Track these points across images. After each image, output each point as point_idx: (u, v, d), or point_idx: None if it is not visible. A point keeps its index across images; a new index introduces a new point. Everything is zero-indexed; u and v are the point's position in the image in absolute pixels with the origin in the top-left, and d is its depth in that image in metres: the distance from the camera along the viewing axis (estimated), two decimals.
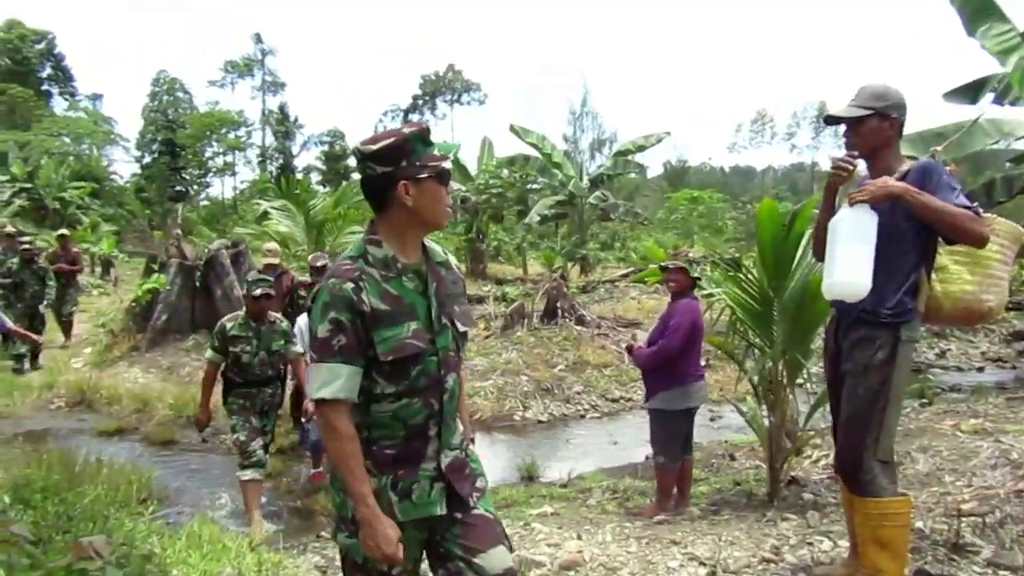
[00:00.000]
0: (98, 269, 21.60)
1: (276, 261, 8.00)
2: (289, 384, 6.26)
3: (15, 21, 46.25)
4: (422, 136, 1.96)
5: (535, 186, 24.47)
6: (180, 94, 53.68)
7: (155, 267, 11.77)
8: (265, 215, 16.33)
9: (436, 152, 1.97)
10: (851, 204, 2.74)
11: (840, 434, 2.95)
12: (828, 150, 61.05)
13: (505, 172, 23.42)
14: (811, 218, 4.20)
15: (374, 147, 1.91)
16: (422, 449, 2.00)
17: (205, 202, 49.95)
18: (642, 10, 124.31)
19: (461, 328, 2.06)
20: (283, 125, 54.97)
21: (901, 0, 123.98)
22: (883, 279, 2.73)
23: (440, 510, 2.02)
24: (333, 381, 1.87)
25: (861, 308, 2.80)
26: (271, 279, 5.47)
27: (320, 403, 1.90)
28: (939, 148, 3.37)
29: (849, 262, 2.71)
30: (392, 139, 1.92)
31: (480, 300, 13.95)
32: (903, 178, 2.77)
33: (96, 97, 53.92)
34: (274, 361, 5.35)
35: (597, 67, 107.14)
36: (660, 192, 48.38)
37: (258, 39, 57.90)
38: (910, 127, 4.49)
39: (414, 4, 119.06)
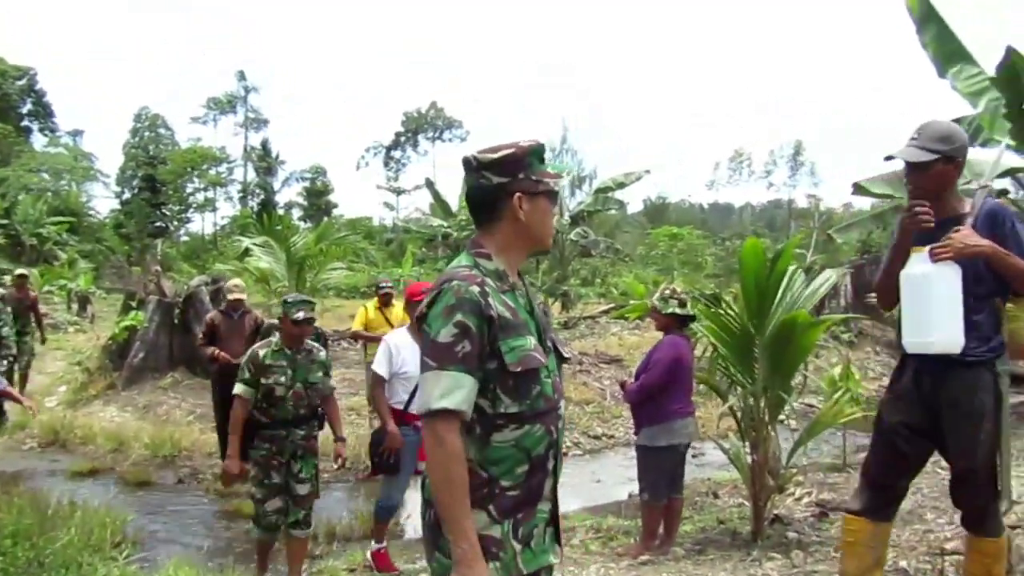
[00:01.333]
0: (75, 306, 21.34)
1: (243, 297, 7.63)
2: None
3: None
4: (539, 152, 1.89)
5: None
6: (162, 130, 53.70)
7: (133, 304, 11.65)
8: (246, 252, 16.25)
9: (550, 170, 1.90)
10: (934, 260, 2.75)
11: (965, 482, 2.89)
12: (804, 188, 61.94)
13: None
14: (793, 256, 4.26)
15: (493, 156, 1.84)
16: (541, 486, 1.83)
17: (185, 238, 49.73)
18: (622, 50, 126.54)
19: (565, 353, 1.98)
20: (265, 161, 55.06)
21: (877, 40, 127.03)
22: (970, 317, 2.75)
23: (555, 558, 1.86)
24: (456, 390, 1.68)
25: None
26: (313, 301, 4.75)
27: (434, 416, 1.70)
28: (989, 183, 3.39)
29: (946, 321, 2.74)
30: (512, 150, 1.84)
31: None
32: (973, 222, 2.77)
33: (77, 133, 53.83)
34: (311, 396, 4.55)
35: (577, 105, 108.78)
36: (640, 228, 48.76)
37: (241, 76, 58.24)
38: (890, 166, 4.58)
39: (395, 43, 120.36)
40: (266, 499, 4.45)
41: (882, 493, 3.03)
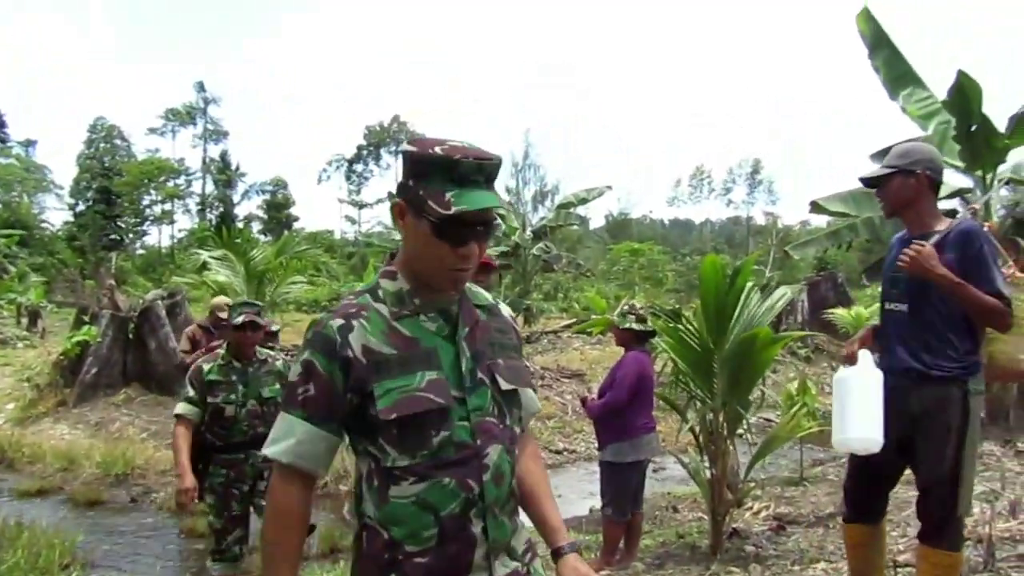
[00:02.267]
0: (24, 320, 20.78)
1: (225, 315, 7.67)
2: None
3: None
4: (447, 166, 1.44)
5: None
6: (118, 141, 52.80)
7: (86, 318, 11.38)
8: (204, 265, 16.00)
9: (450, 196, 1.43)
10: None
11: (928, 495, 2.94)
12: (763, 206, 63.15)
13: None
14: (752, 272, 4.32)
15: (408, 146, 1.50)
16: (463, 555, 1.48)
17: (141, 251, 48.80)
18: (584, 64, 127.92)
19: (505, 386, 1.55)
20: (224, 173, 54.37)
21: (834, 64, 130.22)
22: (945, 334, 2.81)
23: None
24: (284, 439, 1.47)
25: (925, 366, 2.85)
26: (258, 304, 4.31)
27: (271, 463, 1.52)
28: (977, 206, 3.49)
29: (863, 422, 2.82)
30: (413, 149, 1.48)
31: None
32: (944, 238, 2.81)
33: (30, 144, 52.58)
34: (270, 414, 3.97)
35: (539, 119, 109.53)
36: (602, 244, 49.21)
37: (201, 87, 57.53)
38: (847, 185, 4.68)
39: (357, 55, 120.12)
40: (227, 530, 4.03)
41: (866, 502, 3.14)
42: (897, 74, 7.20)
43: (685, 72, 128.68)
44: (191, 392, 3.93)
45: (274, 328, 6.94)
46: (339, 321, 1.48)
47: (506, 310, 1.74)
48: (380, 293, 1.54)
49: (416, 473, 1.45)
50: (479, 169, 1.44)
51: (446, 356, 1.50)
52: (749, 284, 4.83)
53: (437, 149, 1.44)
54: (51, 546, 5.20)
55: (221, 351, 4.10)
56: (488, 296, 1.70)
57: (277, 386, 4.04)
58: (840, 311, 12.06)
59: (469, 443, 1.47)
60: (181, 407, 3.93)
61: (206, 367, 3.98)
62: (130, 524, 6.58)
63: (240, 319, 3.98)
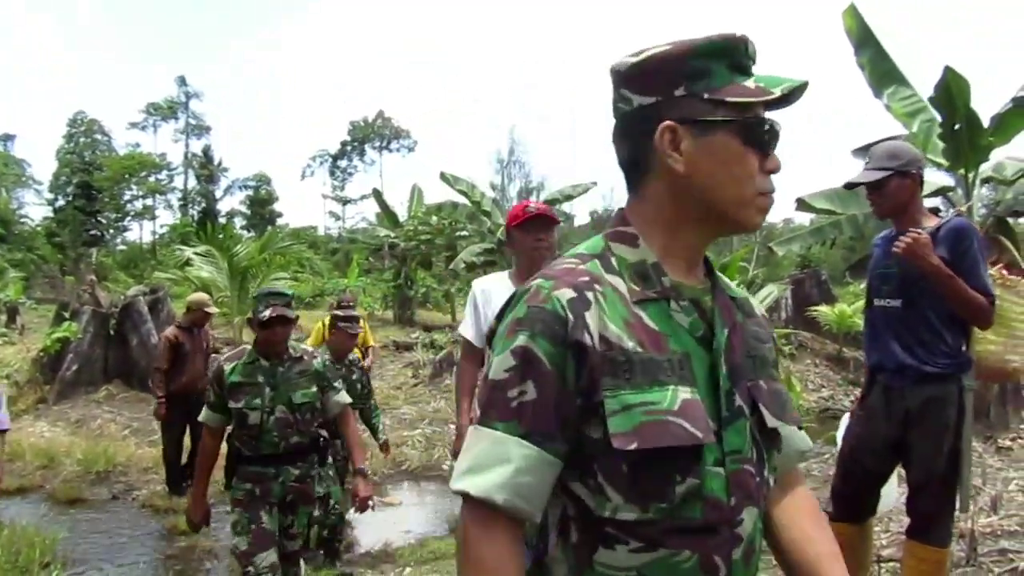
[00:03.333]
0: (3, 316, 20.52)
1: (214, 312, 7.41)
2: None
3: None
4: (725, 48, 1.06)
5: (464, 233, 24.58)
6: (98, 136, 52.29)
7: (66, 315, 11.26)
8: (187, 261, 15.90)
9: (751, 84, 1.06)
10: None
11: (921, 491, 2.96)
12: None
13: (434, 219, 23.45)
14: (738, 269, 4.33)
15: (636, 59, 1.09)
16: None
17: (122, 247, 48.37)
18: (573, 62, 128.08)
19: (771, 422, 1.09)
20: (207, 169, 53.97)
21: (818, 59, 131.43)
22: (939, 329, 2.85)
23: None
24: (491, 467, 0.98)
25: (920, 361, 2.88)
26: (288, 293, 3.55)
27: (464, 501, 1.02)
28: (964, 208, 3.54)
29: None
30: (666, 48, 1.07)
31: (408, 347, 13.82)
32: (935, 233, 2.84)
33: (8, 138, 52.09)
34: (304, 421, 3.45)
35: (527, 116, 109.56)
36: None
37: (182, 82, 57.07)
38: (830, 182, 4.69)
39: (341, 48, 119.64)
40: (256, 548, 3.31)
41: (854, 501, 3.15)
42: (882, 72, 7.23)
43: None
44: (211, 396, 3.43)
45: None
46: (569, 293, 1.01)
47: (759, 307, 1.27)
48: (614, 262, 1.08)
49: (645, 536, 0.99)
50: (754, 55, 1.09)
51: (700, 368, 1.03)
52: (735, 281, 4.86)
53: (700, 39, 1.06)
54: (31, 544, 5.14)
55: (247, 347, 3.53)
56: (738, 287, 1.27)
57: (314, 389, 3.46)
58: (824, 308, 12.14)
59: (723, 502, 1.01)
60: (204, 414, 3.48)
61: (228, 367, 3.38)
62: (112, 521, 6.50)
63: (266, 314, 3.29)
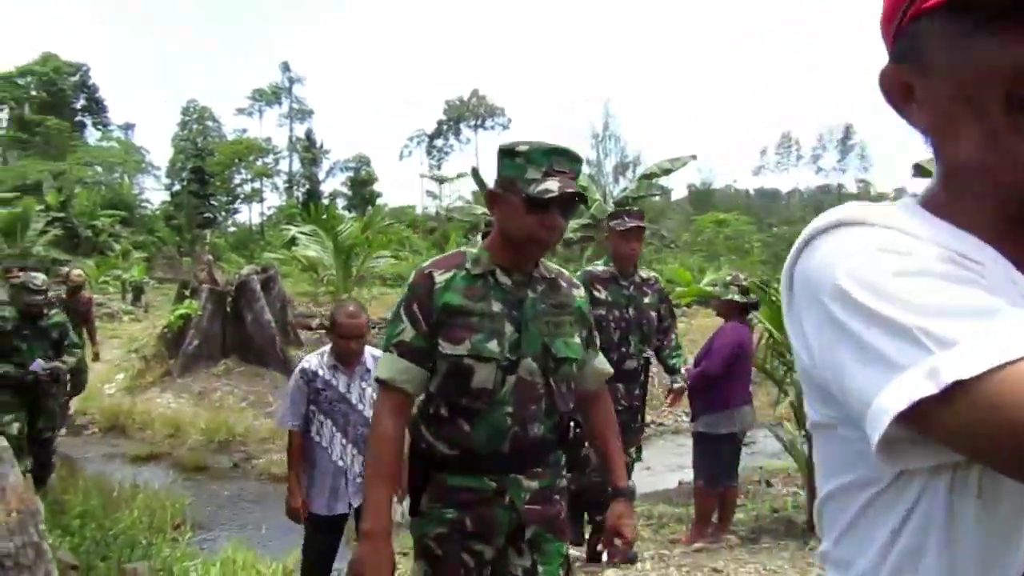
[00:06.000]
0: (129, 295, 21.89)
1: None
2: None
3: (50, 55, 47.46)
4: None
5: None
6: (209, 123, 54.74)
7: (187, 293, 11.91)
8: (293, 240, 16.51)
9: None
10: None
11: None
12: (854, 173, 60.71)
13: None
14: None
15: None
16: None
17: (232, 228, 50.63)
18: (666, 34, 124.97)
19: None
20: (310, 152, 55.72)
21: None
22: None
23: None
24: None
25: None
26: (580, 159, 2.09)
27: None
28: None
29: None
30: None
31: None
32: None
33: (128, 127, 55.17)
34: (561, 393, 2.01)
35: (621, 90, 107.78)
36: (685, 215, 48.25)
37: (286, 67, 58.96)
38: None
39: (439, 30, 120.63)
40: None
41: None
42: None
43: (709, 95, 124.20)
44: (405, 326, 1.89)
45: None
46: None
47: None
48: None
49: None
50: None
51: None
52: None
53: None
54: (163, 507, 5.51)
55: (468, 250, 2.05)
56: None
57: (578, 340, 2.03)
58: None
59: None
60: (388, 365, 1.90)
61: (439, 277, 1.91)
62: (233, 489, 6.89)
63: (549, 185, 1.84)
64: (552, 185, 1.79)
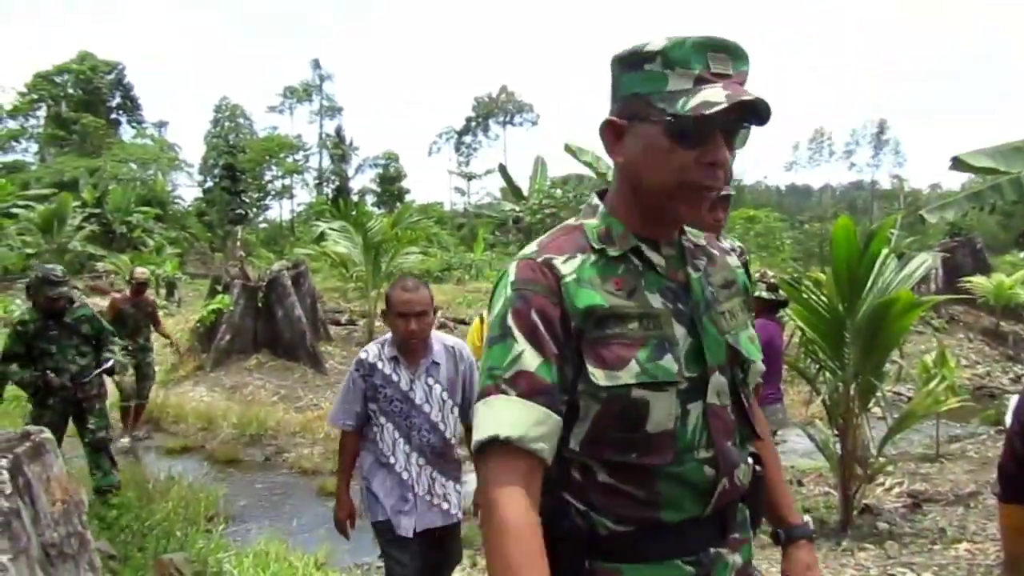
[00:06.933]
0: (163, 290, 22.24)
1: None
2: None
3: (87, 53, 48.27)
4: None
5: None
6: (241, 120, 55.29)
7: (219, 288, 12.08)
8: (322, 236, 16.64)
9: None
10: None
11: None
12: (888, 168, 59.76)
13: (558, 192, 23.47)
14: (886, 239, 4.10)
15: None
16: None
17: (263, 224, 51.18)
18: (694, 28, 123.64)
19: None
20: (339, 148, 56.11)
21: (961, 17, 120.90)
22: None
23: None
24: None
25: None
26: None
27: None
28: None
29: None
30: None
31: None
32: None
33: (162, 124, 55.88)
34: (745, 421, 1.37)
35: None
36: None
37: (316, 65, 59.42)
38: (984, 143, 4.33)
39: (468, 27, 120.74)
40: None
41: (1018, 483, 2.95)
42: None
43: (763, 44, 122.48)
44: (524, 355, 1.19)
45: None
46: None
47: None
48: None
49: None
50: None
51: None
52: (884, 250, 4.60)
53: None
54: (197, 499, 5.59)
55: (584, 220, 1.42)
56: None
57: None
58: (979, 279, 11.31)
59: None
60: (503, 415, 1.17)
61: (562, 265, 1.25)
62: (265, 482, 6.97)
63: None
64: (714, 95, 1.13)
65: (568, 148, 22.93)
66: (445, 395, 2.92)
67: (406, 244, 15.09)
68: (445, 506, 2.94)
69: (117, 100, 50.89)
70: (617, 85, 1.25)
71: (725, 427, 1.26)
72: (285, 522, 5.83)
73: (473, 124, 65.08)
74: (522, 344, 1.16)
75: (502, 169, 28.96)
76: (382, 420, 2.89)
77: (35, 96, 46.14)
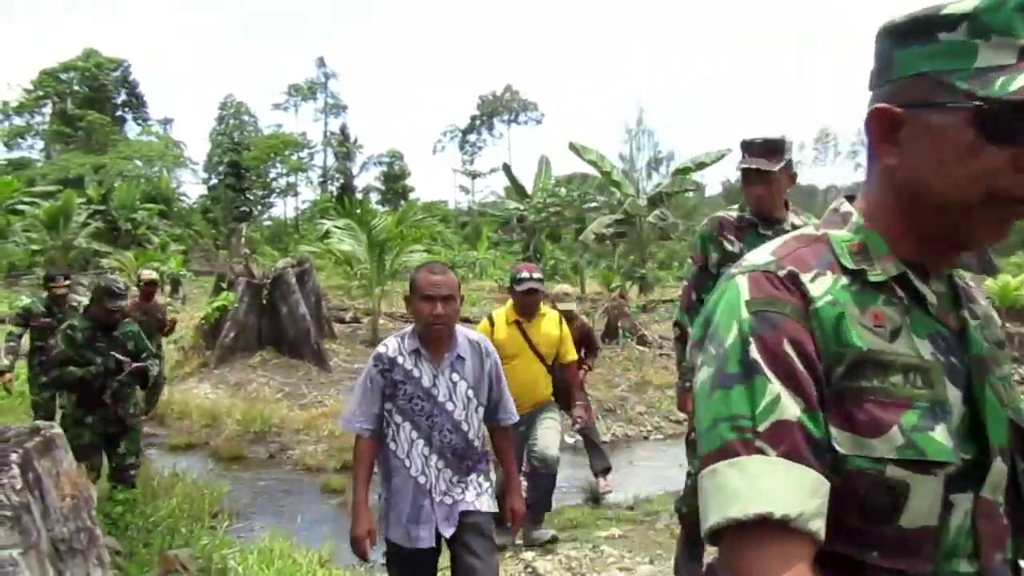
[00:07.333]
0: (167, 287, 22.31)
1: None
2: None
3: (92, 51, 48.42)
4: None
5: (593, 205, 24.47)
6: (245, 117, 55.40)
7: (224, 285, 12.10)
8: (327, 234, 16.67)
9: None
10: None
11: None
12: None
13: (562, 191, 23.49)
14: None
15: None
16: None
17: (267, 222, 51.27)
18: (700, 29, 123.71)
19: None
20: (344, 146, 56.18)
21: None
22: None
23: None
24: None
25: None
26: None
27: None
28: None
29: None
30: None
31: None
32: None
33: (167, 121, 56.05)
34: None
35: (654, 86, 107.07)
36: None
37: (321, 63, 59.59)
38: None
39: (473, 25, 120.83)
40: None
41: None
42: None
43: (743, 90, 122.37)
44: (781, 401, 0.86)
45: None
46: None
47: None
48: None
49: None
50: None
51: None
52: None
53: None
54: (202, 496, 5.61)
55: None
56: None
57: None
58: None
59: None
60: (761, 483, 0.83)
61: (817, 288, 0.94)
62: (269, 479, 6.99)
63: None
64: None
65: (572, 147, 22.95)
66: (471, 393, 2.69)
67: (410, 242, 15.09)
68: (469, 497, 2.70)
69: (122, 97, 51.08)
70: (888, 65, 0.92)
71: (997, 533, 0.90)
72: (289, 519, 5.84)
73: (477, 123, 65.12)
74: (777, 385, 0.84)
75: (506, 168, 28.98)
76: (398, 419, 2.66)
77: (41, 93, 46.32)
